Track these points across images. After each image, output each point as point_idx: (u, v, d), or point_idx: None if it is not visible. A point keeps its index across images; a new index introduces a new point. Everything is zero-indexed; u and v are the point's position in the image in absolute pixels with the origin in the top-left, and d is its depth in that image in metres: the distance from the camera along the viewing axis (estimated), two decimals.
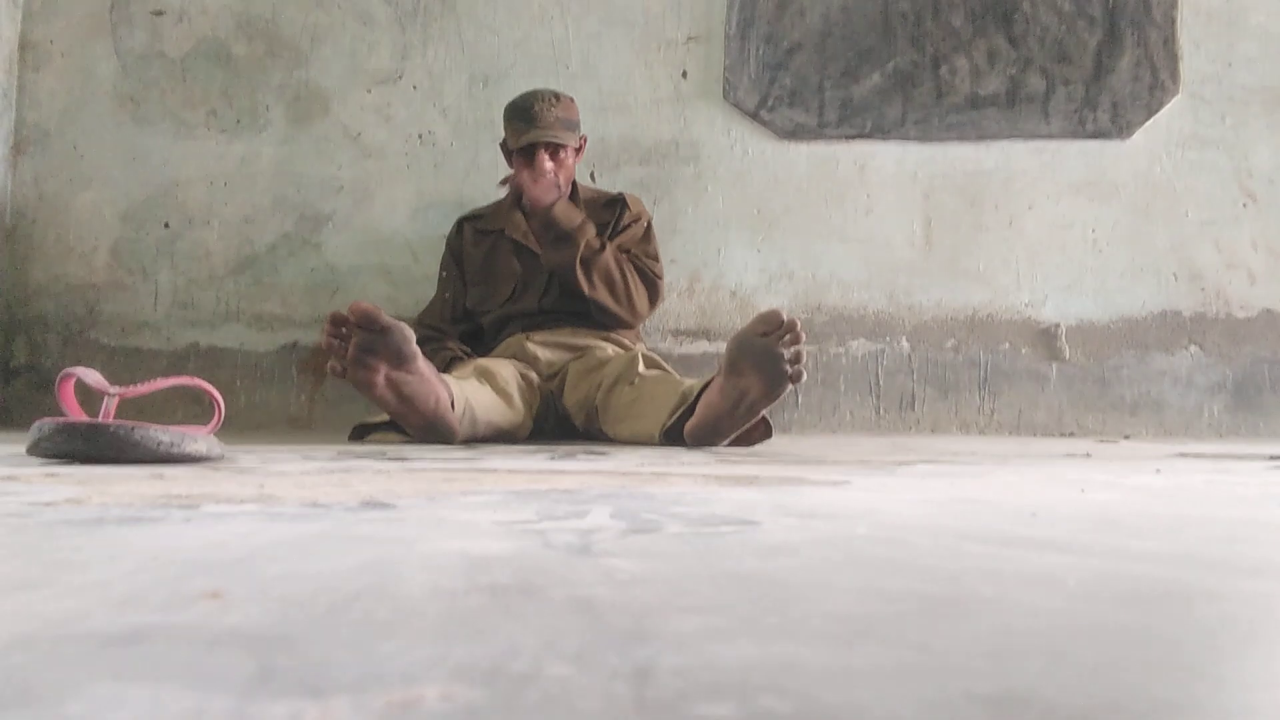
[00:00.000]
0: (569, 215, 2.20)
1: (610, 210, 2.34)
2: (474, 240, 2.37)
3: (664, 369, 2.06)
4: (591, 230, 2.21)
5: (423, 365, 1.68)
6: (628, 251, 2.27)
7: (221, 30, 2.85)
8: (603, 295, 2.20)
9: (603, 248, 2.21)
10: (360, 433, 1.90)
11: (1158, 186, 2.76)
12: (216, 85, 2.84)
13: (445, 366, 2.10)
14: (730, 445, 1.77)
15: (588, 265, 2.18)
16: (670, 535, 0.59)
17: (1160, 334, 2.73)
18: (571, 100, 2.28)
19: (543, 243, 2.23)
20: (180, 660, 0.30)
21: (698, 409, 1.72)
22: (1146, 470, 1.27)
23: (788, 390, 1.67)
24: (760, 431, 1.82)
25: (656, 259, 2.32)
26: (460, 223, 2.43)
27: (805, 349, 1.66)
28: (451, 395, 1.74)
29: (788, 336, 1.62)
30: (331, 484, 0.88)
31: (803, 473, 1.13)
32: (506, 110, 2.26)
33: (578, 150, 2.31)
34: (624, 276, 2.22)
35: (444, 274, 2.42)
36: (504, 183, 2.41)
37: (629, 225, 2.32)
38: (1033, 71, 2.78)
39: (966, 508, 0.78)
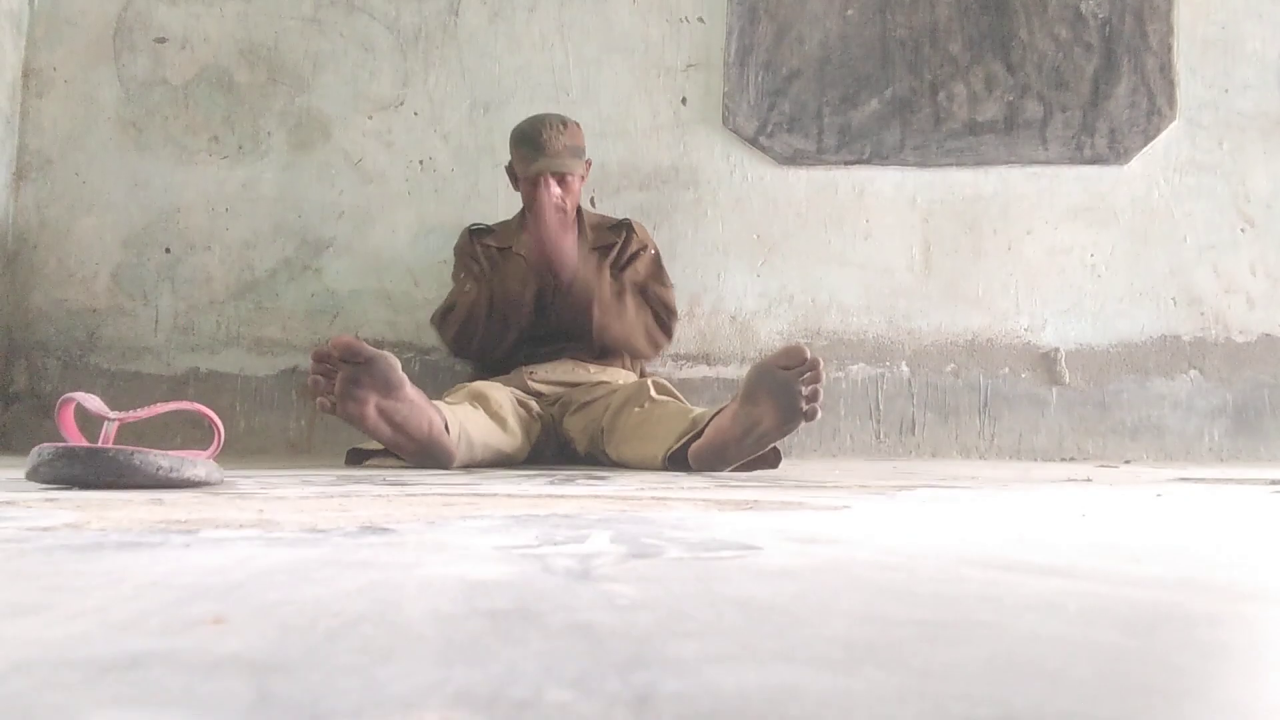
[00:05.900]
0: (586, 284, 2.18)
1: (615, 234, 2.34)
2: (483, 254, 2.36)
3: (675, 396, 2.05)
4: (607, 280, 2.22)
5: (411, 391, 1.67)
6: (644, 290, 2.29)
7: (224, 57, 2.87)
8: (618, 337, 2.22)
9: (620, 292, 2.22)
10: (356, 457, 1.88)
11: (1156, 212, 2.77)
12: (218, 112, 2.86)
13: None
14: (734, 471, 1.76)
15: (605, 320, 2.20)
16: (670, 560, 0.58)
17: (1160, 358, 2.73)
18: (578, 125, 2.26)
19: (558, 297, 2.21)
20: (179, 686, 0.30)
21: (706, 432, 1.71)
22: (1147, 495, 1.27)
23: (800, 426, 1.67)
24: (769, 460, 1.80)
25: (670, 288, 2.36)
26: (470, 233, 2.41)
27: (822, 388, 1.66)
28: (445, 420, 1.74)
29: (809, 374, 1.62)
30: (331, 509, 0.88)
31: (803, 497, 1.12)
32: (513, 135, 2.24)
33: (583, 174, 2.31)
34: (642, 322, 2.25)
35: (462, 274, 2.36)
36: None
37: (635, 254, 2.33)
38: (1030, 98, 2.79)
39: (967, 532, 0.78)
